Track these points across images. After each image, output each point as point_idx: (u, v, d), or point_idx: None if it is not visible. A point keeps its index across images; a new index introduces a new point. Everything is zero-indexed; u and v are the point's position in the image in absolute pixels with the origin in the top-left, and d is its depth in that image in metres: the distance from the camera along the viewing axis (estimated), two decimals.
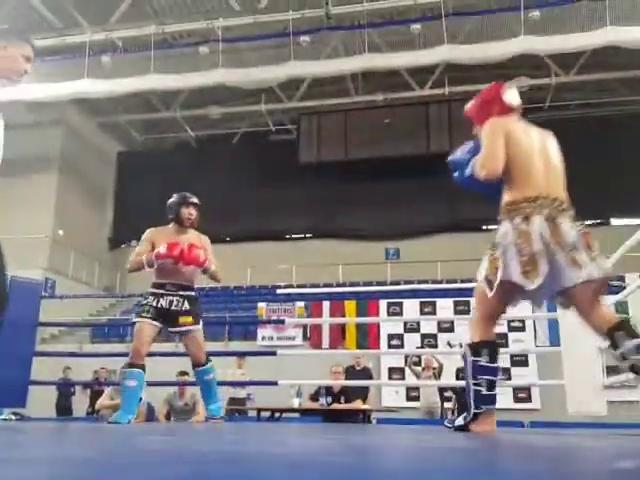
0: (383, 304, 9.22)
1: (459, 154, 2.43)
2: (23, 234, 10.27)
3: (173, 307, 3.23)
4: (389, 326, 9.36)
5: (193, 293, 3.33)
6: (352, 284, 11.69)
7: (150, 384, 3.50)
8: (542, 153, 2.24)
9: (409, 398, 8.45)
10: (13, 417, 5.91)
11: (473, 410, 2.15)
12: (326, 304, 9.60)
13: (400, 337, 9.17)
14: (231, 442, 1.71)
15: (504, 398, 7.83)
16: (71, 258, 12.39)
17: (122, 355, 4.91)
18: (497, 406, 2.26)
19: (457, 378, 5.70)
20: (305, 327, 9.65)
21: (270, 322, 9.85)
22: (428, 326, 9.04)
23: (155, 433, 2.27)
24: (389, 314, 9.12)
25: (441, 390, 6.44)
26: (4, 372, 3.39)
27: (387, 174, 12.35)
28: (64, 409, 7.69)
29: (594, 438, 2.31)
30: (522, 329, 8.65)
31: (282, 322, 8.68)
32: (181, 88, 11.58)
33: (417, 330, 9.09)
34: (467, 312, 7.84)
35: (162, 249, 3.16)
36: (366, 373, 6.37)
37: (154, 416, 5.45)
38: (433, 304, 9.05)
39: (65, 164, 13.05)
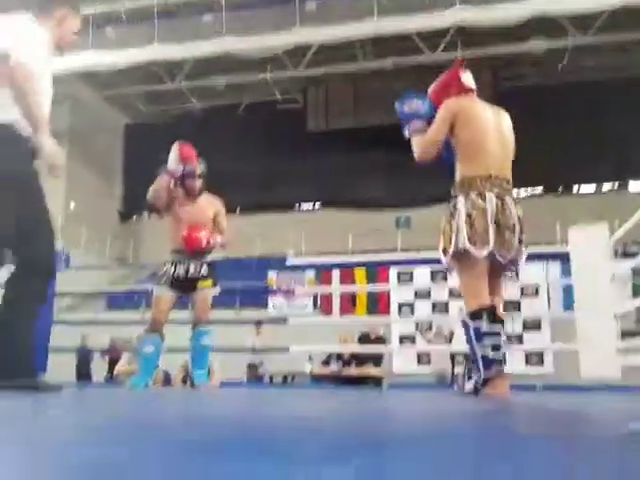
0: (393, 272, 9.22)
1: (406, 108, 2.53)
2: None
3: (190, 274, 3.25)
4: (400, 294, 9.38)
5: (210, 259, 3.35)
6: (362, 252, 11.67)
7: (166, 350, 3.57)
8: (496, 132, 2.36)
9: (420, 363, 8.54)
10: None
11: (483, 375, 2.18)
12: (336, 272, 9.63)
13: (411, 305, 9.21)
14: (244, 406, 1.74)
15: (516, 362, 7.87)
16: (83, 231, 12.50)
17: (137, 323, 4.98)
18: (508, 370, 2.29)
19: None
20: (315, 295, 9.72)
21: (281, 291, 9.94)
22: (439, 293, 9.04)
23: (171, 398, 2.31)
24: (400, 282, 9.13)
25: (452, 355, 6.50)
26: None
27: (397, 141, 12.12)
28: (84, 374, 7.93)
29: (607, 402, 2.32)
30: (535, 294, 8.62)
31: (293, 291, 8.75)
32: (185, 58, 11.39)
33: (428, 297, 9.11)
34: None
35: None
36: (381, 342, 6.45)
37: (171, 383, 5.57)
38: (444, 272, 9.03)
39: (74, 138, 13.02)
